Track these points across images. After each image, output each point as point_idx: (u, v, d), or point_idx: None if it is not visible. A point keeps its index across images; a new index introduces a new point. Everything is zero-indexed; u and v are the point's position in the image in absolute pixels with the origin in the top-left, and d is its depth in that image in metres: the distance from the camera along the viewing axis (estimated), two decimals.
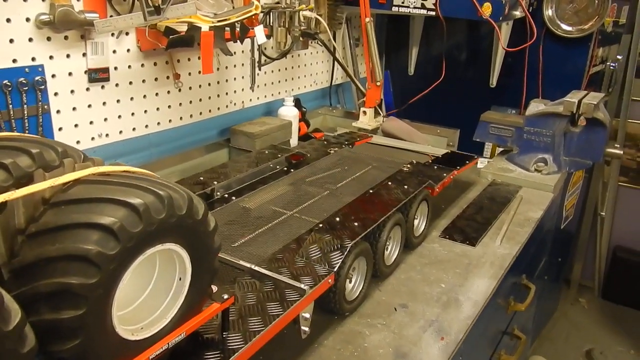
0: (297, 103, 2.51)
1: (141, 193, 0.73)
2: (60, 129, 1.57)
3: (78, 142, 1.63)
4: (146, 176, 0.80)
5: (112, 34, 1.64)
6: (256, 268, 1.12)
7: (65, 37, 1.52)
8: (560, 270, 3.32)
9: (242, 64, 2.20)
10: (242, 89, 2.23)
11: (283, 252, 1.20)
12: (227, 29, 1.77)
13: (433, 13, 2.38)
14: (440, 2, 2.34)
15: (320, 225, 1.30)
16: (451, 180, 1.77)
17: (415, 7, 2.42)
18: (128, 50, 1.71)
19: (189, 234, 0.80)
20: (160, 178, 0.82)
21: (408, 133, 2.55)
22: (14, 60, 1.42)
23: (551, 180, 2.04)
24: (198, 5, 1.87)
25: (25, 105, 1.44)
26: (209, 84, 2.06)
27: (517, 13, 2.45)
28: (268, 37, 2.23)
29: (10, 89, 1.40)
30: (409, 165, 1.78)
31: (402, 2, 2.44)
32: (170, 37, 1.59)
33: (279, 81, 2.47)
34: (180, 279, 0.83)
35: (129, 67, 1.72)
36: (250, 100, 2.31)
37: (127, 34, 1.69)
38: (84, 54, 1.58)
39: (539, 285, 2.43)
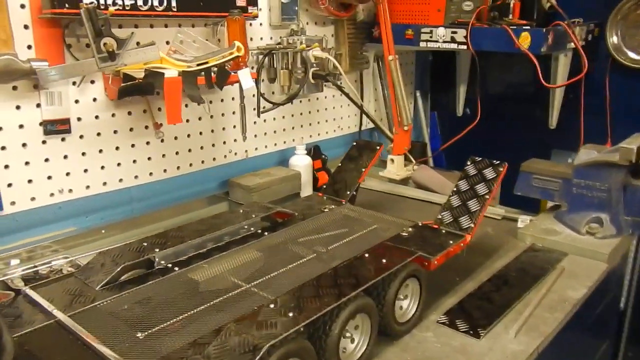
0: (315, 151, 2.28)
1: None
2: (9, 185, 1.44)
3: (33, 198, 1.50)
4: None
5: (74, 83, 1.52)
6: None
7: (14, 88, 1.41)
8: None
9: None
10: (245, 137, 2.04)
11: (189, 349, 0.94)
12: (203, 73, 1.59)
13: (464, 47, 2.07)
14: (471, 34, 2.03)
15: (250, 311, 1.03)
16: (462, 248, 1.43)
17: (445, 42, 2.13)
18: (95, 99, 1.57)
19: None
20: None
21: (440, 184, 2.21)
22: None
23: (606, 247, 1.61)
24: (180, 49, 1.73)
25: None
26: (201, 133, 1.88)
27: (572, 43, 2.07)
28: (272, 80, 2.04)
29: None
30: (410, 229, 1.46)
31: (430, 37, 2.16)
32: (121, 85, 1.43)
33: (293, 127, 2.25)
34: None
35: (97, 117, 1.59)
36: (256, 149, 2.11)
37: (92, 82, 1.56)
38: (38, 105, 1.46)
39: None
